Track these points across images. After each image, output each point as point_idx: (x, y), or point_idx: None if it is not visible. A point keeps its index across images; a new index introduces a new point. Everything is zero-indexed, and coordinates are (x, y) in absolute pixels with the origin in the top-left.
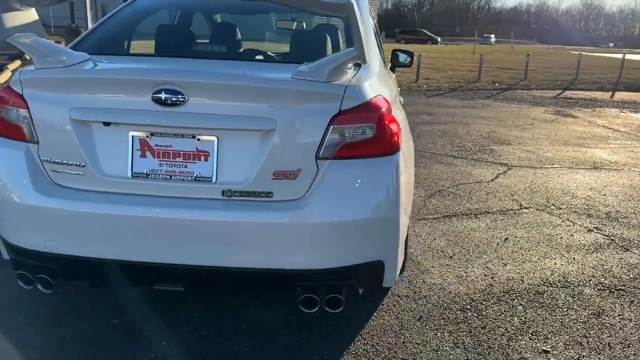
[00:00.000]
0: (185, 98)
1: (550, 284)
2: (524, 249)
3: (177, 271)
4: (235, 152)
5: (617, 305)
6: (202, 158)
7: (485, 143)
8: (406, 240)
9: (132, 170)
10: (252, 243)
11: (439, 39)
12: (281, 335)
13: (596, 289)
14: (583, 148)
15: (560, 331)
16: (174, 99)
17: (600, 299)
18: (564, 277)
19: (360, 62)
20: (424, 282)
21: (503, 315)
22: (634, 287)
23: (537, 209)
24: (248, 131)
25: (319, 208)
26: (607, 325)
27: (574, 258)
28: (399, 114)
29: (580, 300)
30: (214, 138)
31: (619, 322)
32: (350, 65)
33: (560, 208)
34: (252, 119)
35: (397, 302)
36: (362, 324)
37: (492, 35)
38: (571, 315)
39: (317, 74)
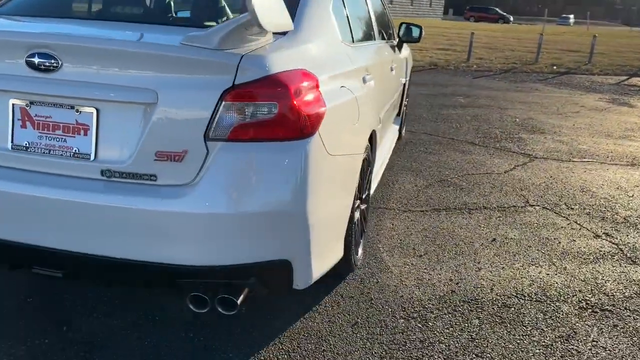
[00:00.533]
0: (58, 63)
1: (523, 296)
2: (509, 253)
3: (54, 256)
4: (116, 126)
5: (594, 328)
6: (82, 132)
7: (516, 130)
8: (351, 237)
9: (12, 141)
10: (131, 231)
11: (512, 18)
12: (190, 330)
13: (577, 307)
14: (627, 141)
15: (512, 355)
16: (47, 64)
17: (576, 320)
18: (542, 290)
19: (259, 27)
20: (378, 282)
21: (451, 329)
22: (624, 309)
23: (543, 208)
24: (128, 104)
25: (207, 196)
26: (574, 352)
27: (564, 268)
28: (338, 94)
29: (552, 319)
30: (92, 110)
31: (590, 349)
32: (258, 31)
33: (572, 208)
34: (131, 90)
35: (338, 303)
36: (286, 326)
37: (571, 16)
38: (533, 336)
39: (208, 40)
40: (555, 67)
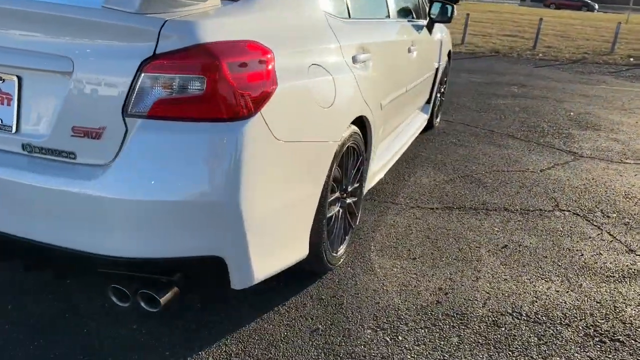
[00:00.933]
0: None
1: (520, 315)
2: (519, 263)
3: None
4: (37, 97)
5: None
6: (6, 102)
7: (567, 126)
8: (322, 233)
9: None
10: (49, 213)
11: (597, 6)
12: (136, 322)
13: (582, 334)
14: None
15: None
16: None
17: (577, 349)
18: (545, 309)
19: None
20: (356, 284)
21: (423, 347)
22: None
23: (574, 214)
24: (46, 72)
25: (124, 180)
26: None
27: (580, 285)
28: (304, 72)
29: (547, 345)
30: (14, 78)
31: None
32: None
33: (608, 216)
34: (49, 57)
35: (304, 304)
36: (240, 325)
37: None
38: None
39: (130, 3)
40: (632, 59)
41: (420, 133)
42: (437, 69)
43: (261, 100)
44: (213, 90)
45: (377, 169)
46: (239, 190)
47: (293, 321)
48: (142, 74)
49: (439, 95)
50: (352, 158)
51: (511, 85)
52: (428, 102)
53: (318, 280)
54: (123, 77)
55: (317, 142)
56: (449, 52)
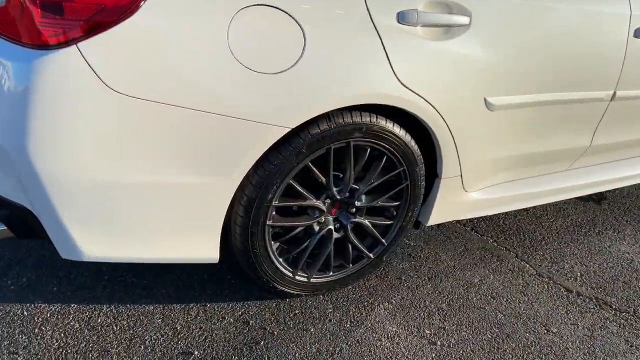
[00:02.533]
0: None
1: None
2: None
3: None
4: None
5: None
6: None
7: None
8: (247, 241)
9: None
10: None
11: None
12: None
13: None
14: None
15: None
16: None
17: None
18: None
19: None
20: (307, 331)
21: None
22: None
23: None
24: None
25: None
26: None
27: None
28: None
29: None
30: None
31: None
32: None
33: None
34: None
35: (222, 318)
36: (125, 303)
37: None
38: None
39: None
40: None
41: None
42: None
43: (88, 30)
44: (12, 4)
45: (479, 200)
46: (26, 135)
47: (188, 331)
48: None
49: None
50: (375, 164)
51: None
52: None
53: (275, 300)
54: None
55: (225, 117)
56: None
